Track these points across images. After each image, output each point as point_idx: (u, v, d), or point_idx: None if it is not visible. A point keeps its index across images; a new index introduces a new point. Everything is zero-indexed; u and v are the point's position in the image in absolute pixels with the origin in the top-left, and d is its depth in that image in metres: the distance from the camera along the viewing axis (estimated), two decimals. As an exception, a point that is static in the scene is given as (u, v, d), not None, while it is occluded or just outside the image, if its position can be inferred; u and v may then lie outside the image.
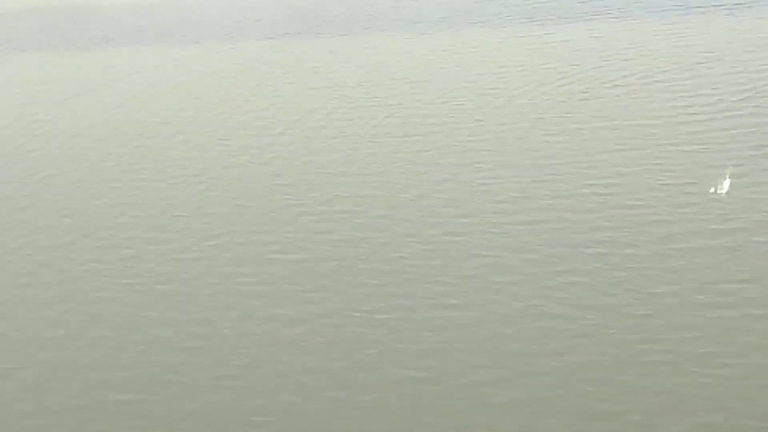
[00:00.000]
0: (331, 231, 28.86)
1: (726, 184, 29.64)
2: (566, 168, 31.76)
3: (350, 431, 20.32)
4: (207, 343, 23.60)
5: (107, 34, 58.76)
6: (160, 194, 32.99)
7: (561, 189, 30.26)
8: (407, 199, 30.56)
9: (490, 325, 23.33)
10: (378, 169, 33.27)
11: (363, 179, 32.55)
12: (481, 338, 22.86)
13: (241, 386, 21.78)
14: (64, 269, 28.11)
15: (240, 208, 31.24)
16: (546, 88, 39.80)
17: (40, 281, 27.54)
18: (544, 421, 20.12)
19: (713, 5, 50.70)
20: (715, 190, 29.38)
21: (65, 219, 31.61)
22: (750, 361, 21.33)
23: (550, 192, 30.08)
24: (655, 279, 24.68)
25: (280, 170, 33.99)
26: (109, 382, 22.39)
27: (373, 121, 37.88)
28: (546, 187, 30.45)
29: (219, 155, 36.11)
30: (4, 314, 26.04)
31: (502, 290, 24.80)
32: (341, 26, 52.55)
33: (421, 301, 24.58)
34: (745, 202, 28.58)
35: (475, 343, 22.69)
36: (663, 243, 26.40)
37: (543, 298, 24.28)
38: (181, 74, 47.15)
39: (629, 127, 35.07)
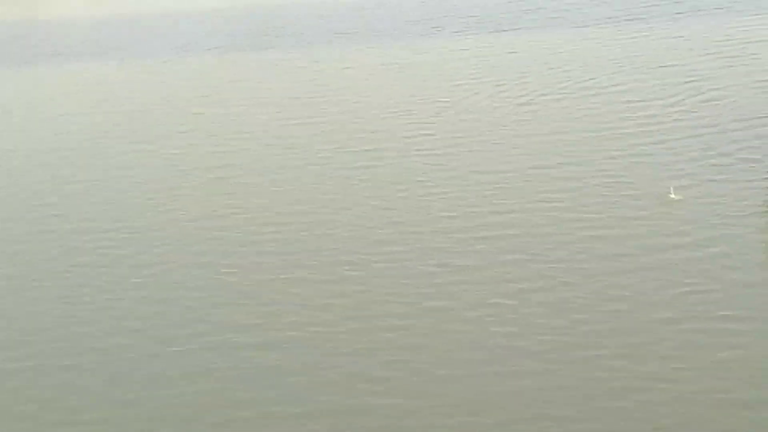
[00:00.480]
0: (267, 251, 28.59)
1: (673, 195, 29.78)
2: (513, 181, 31.71)
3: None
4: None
5: (56, 48, 58.03)
6: (94, 210, 32.65)
7: (508, 203, 30.18)
8: (348, 215, 30.39)
9: (436, 347, 23.12)
10: (318, 185, 32.97)
11: (301, 194, 32.29)
12: (428, 361, 22.63)
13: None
14: None
15: (173, 221, 31.06)
16: (492, 100, 39.79)
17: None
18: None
19: (655, 14, 51.06)
20: (664, 201, 29.51)
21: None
22: (704, 376, 21.44)
23: (498, 206, 29.99)
24: (606, 295, 24.66)
25: (218, 184, 33.70)
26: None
27: (313, 134, 37.61)
28: (493, 201, 30.36)
29: (157, 169, 35.67)
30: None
31: (448, 310, 24.60)
32: (289, 40, 52.25)
33: (367, 322, 24.37)
34: (692, 213, 28.68)
35: (421, 367, 22.43)
36: (613, 258, 26.39)
37: (492, 316, 24.09)
38: (125, 88, 46.56)
39: (575, 138, 35.10)
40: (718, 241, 26.91)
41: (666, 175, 31.18)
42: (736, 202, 29.22)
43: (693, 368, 21.50)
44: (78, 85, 48.72)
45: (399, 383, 21.82)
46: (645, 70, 42.14)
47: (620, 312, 23.79)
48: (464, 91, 40.97)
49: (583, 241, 27.33)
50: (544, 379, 21.48)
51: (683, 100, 38.20)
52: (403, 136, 36.66)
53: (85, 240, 30.33)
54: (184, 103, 43.28)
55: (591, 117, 37.16)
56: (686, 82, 40.07)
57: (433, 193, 31.39)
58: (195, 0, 62.65)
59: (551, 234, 27.93)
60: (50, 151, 38.98)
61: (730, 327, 22.89)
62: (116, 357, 23.57)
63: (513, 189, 31.17)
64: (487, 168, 32.99)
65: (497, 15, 52.85)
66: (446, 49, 47.66)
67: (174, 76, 47.53)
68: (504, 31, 50.07)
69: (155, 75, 48.31)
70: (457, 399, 21.14)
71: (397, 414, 20.82)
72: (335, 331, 24.03)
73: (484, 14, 53.25)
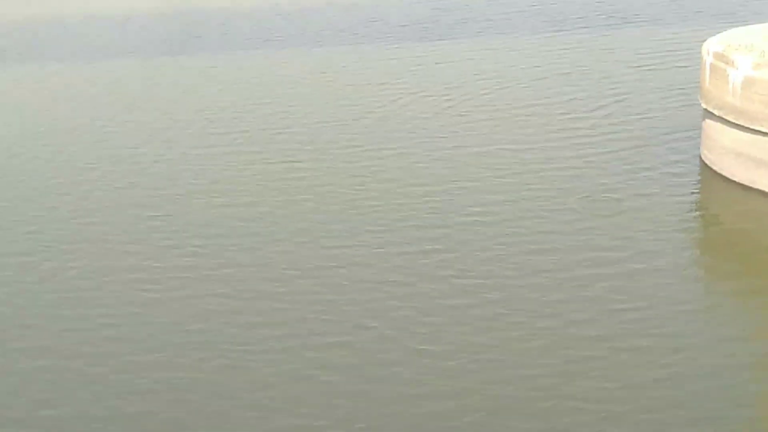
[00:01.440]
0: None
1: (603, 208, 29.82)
2: (440, 195, 31.30)
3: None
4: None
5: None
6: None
7: (435, 217, 29.81)
8: (273, 226, 29.81)
9: (359, 366, 22.69)
10: (241, 193, 32.27)
11: (195, 202, 31.75)
12: (352, 380, 22.25)
13: None
14: None
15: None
16: (417, 111, 39.44)
17: None
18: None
19: (584, 26, 51.22)
20: (592, 215, 29.41)
21: None
22: (634, 395, 21.23)
23: (424, 221, 29.57)
24: (536, 312, 24.41)
25: (127, 191, 32.82)
26: None
27: (234, 143, 36.89)
28: (419, 216, 29.92)
29: (69, 176, 34.66)
30: None
31: (374, 328, 24.11)
32: (215, 45, 51.52)
33: (297, 340, 23.91)
34: (620, 228, 28.60)
35: (339, 385, 22.04)
36: (543, 274, 26.16)
37: (419, 334, 23.73)
38: (37, 94, 45.27)
39: (502, 151, 34.86)
40: (647, 256, 26.91)
41: (594, 189, 31.13)
42: (665, 216, 29.28)
43: (623, 387, 21.31)
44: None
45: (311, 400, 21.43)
46: (573, 82, 42.16)
47: (551, 329, 23.54)
48: (388, 102, 40.59)
49: (512, 257, 27.09)
50: (472, 399, 21.14)
51: (610, 112, 38.27)
52: (329, 147, 36.10)
53: None
54: (98, 109, 42.10)
55: (519, 129, 37.01)
56: (614, 95, 40.18)
57: (357, 205, 30.91)
58: (114, 2, 61.47)
59: (479, 249, 27.66)
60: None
61: (661, 345, 22.78)
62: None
63: (440, 203, 30.84)
64: (411, 181, 32.56)
65: (424, 25, 52.65)
66: (373, 58, 47.27)
67: (90, 83, 46.40)
68: (431, 41, 49.84)
69: (70, 80, 47.09)
70: (382, 420, 20.72)
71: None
72: (248, 355, 23.50)
73: (411, 24, 53.00)
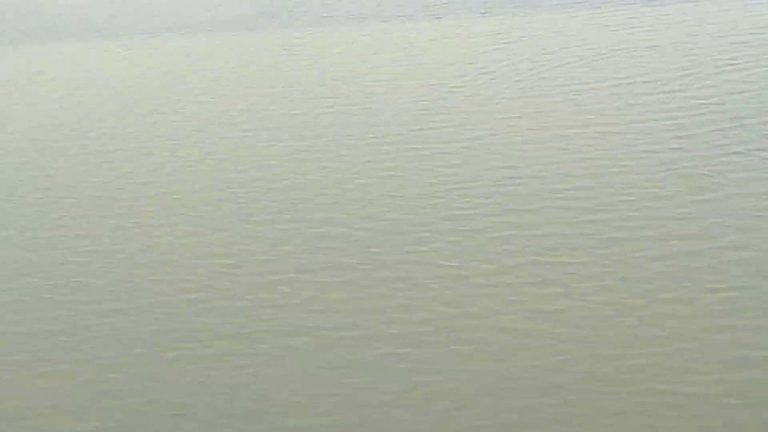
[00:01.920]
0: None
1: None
2: (520, 179, 29.96)
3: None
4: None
5: (36, 28, 56.50)
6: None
7: (520, 199, 28.58)
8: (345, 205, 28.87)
9: (431, 360, 21.48)
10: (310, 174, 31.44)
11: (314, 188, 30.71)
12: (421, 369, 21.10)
13: None
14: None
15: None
16: (483, 90, 38.30)
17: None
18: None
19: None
20: (684, 200, 27.97)
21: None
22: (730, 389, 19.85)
23: (502, 204, 28.33)
24: (618, 301, 22.91)
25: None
26: None
27: (319, 123, 36.12)
28: (499, 198, 28.75)
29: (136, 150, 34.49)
30: None
31: (448, 318, 22.90)
32: (296, 20, 51.16)
33: (367, 329, 22.78)
34: (713, 213, 27.09)
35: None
36: (631, 261, 24.61)
37: (489, 326, 22.42)
38: (112, 71, 45.10)
39: (582, 132, 33.26)
40: (740, 243, 25.16)
41: (685, 171, 29.50)
42: (761, 199, 27.59)
43: (714, 382, 19.86)
44: (62, 68, 47.14)
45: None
46: (661, 57, 40.69)
47: (630, 326, 22.13)
48: (466, 80, 39.52)
49: (600, 244, 25.63)
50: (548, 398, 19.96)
51: (701, 89, 36.62)
52: (406, 128, 35.00)
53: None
54: (185, 86, 41.80)
55: (602, 108, 35.57)
56: (705, 70, 38.55)
57: (443, 189, 29.64)
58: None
59: (562, 234, 26.32)
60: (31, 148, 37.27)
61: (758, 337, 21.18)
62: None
63: (524, 185, 29.50)
64: (489, 164, 31.25)
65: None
66: (447, 32, 46.19)
67: (169, 57, 46.25)
68: (494, 14, 48.68)
69: (147, 55, 46.92)
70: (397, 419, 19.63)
71: None
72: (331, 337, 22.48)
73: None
